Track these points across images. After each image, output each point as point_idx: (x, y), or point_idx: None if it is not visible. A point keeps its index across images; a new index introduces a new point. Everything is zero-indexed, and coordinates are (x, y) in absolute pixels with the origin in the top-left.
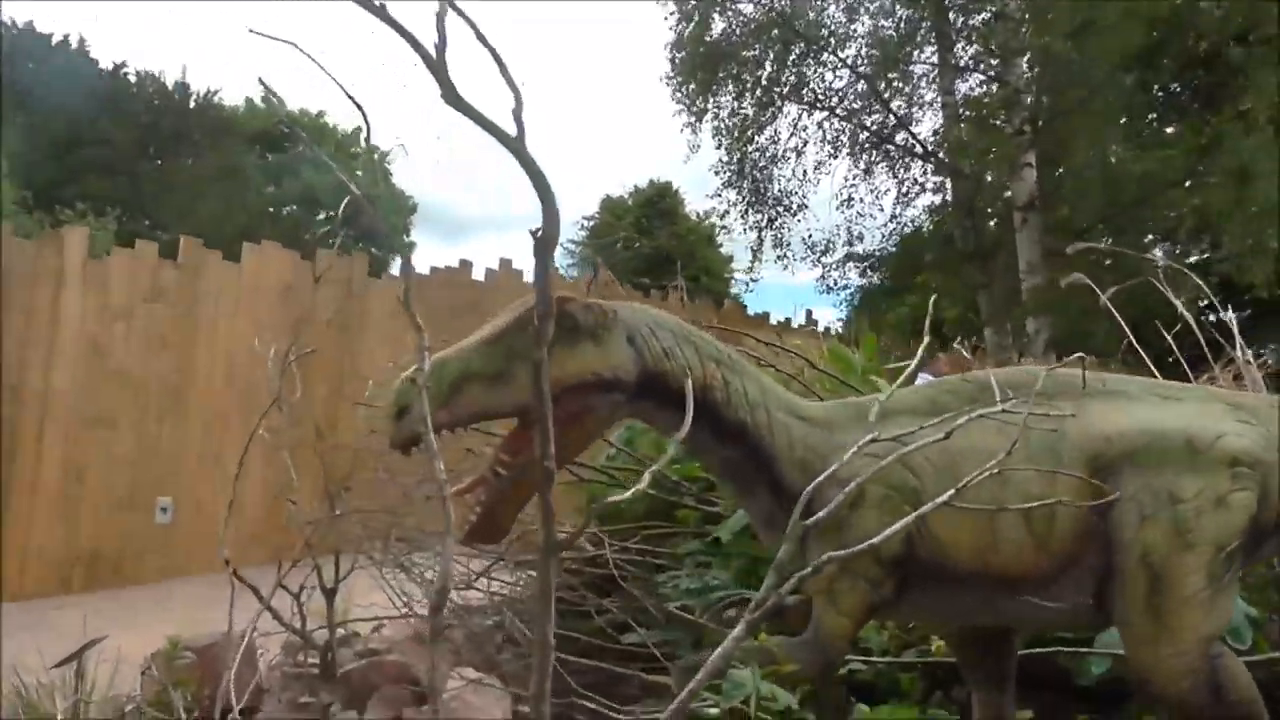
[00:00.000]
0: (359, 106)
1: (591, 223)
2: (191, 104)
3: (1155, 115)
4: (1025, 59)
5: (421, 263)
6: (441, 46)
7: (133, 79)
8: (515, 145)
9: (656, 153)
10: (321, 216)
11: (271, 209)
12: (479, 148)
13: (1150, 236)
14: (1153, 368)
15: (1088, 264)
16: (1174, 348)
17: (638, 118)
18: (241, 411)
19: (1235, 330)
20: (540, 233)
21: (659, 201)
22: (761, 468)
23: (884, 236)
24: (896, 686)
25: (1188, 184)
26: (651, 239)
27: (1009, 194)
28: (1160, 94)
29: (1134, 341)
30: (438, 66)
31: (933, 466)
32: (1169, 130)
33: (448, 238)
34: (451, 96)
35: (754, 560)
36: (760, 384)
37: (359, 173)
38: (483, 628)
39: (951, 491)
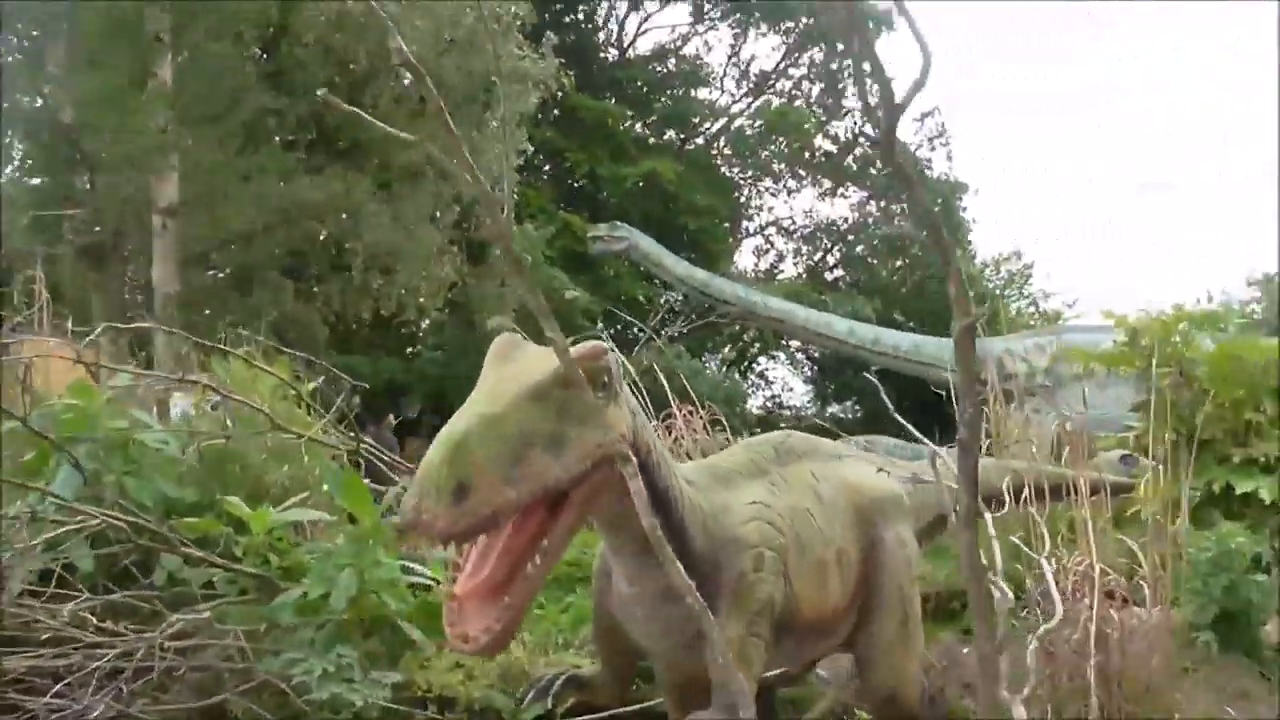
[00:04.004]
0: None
1: None
2: None
3: (294, 142)
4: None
5: None
6: None
7: None
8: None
9: None
10: None
11: None
12: None
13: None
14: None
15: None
16: None
17: None
18: None
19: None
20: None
21: None
22: (674, 536)
23: None
24: None
25: (346, 219)
26: None
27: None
28: (309, 132)
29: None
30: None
31: (787, 526)
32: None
33: None
34: None
35: (342, 625)
36: (659, 441)
37: None
38: None
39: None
